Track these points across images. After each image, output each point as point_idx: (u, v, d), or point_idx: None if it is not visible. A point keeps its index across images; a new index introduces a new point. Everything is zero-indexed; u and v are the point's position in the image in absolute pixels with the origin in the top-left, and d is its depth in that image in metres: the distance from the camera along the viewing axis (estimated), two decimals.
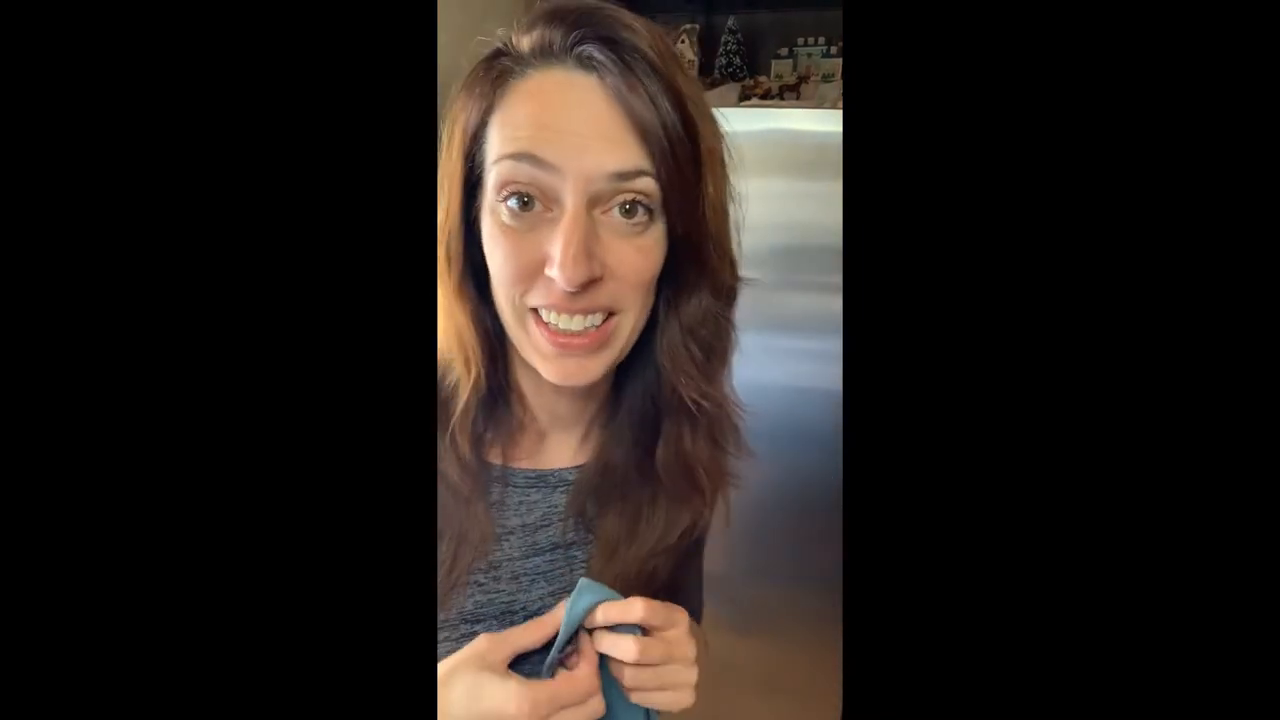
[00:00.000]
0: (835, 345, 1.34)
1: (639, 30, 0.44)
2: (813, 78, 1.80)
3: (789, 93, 1.75)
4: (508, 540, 0.53)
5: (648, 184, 0.43)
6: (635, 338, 0.48)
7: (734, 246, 0.50)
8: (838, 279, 1.35)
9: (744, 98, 1.72)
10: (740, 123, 1.32)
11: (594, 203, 0.44)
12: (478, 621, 0.51)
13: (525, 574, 0.53)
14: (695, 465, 0.54)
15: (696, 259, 0.47)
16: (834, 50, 1.89)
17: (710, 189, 0.47)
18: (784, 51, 1.93)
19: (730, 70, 1.88)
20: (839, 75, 1.81)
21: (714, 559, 1.49)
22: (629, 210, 0.44)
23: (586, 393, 0.54)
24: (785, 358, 1.36)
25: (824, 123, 1.25)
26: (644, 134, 0.43)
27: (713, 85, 1.79)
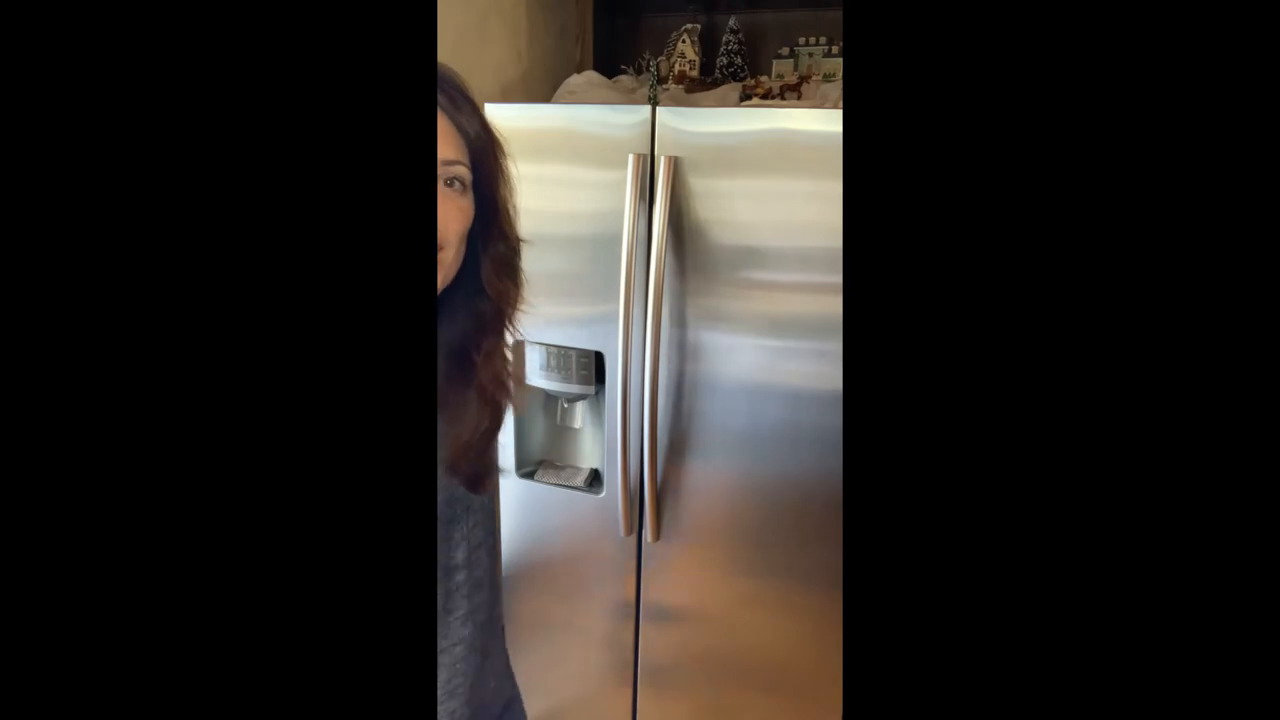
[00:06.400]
0: (835, 345, 1.34)
1: (459, 77, 0.71)
2: (814, 78, 1.80)
3: (790, 92, 1.75)
4: None
5: (462, 170, 0.69)
6: (452, 272, 0.71)
7: (515, 215, 0.79)
8: (838, 279, 1.35)
9: (745, 97, 1.72)
10: (741, 122, 1.32)
11: None
12: None
13: None
14: (502, 371, 0.80)
15: (494, 218, 0.75)
16: (835, 50, 1.89)
17: (501, 175, 0.74)
18: (785, 51, 1.93)
19: (731, 70, 1.88)
20: (839, 75, 1.81)
21: (714, 558, 1.49)
22: (450, 183, 0.69)
23: None
24: (785, 358, 1.36)
25: (824, 123, 1.25)
26: (464, 138, 0.70)
27: (714, 85, 1.79)
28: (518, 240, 0.79)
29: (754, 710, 1.53)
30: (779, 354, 1.35)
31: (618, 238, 1.37)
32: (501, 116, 1.46)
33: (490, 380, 0.78)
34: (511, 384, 0.83)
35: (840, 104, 1.45)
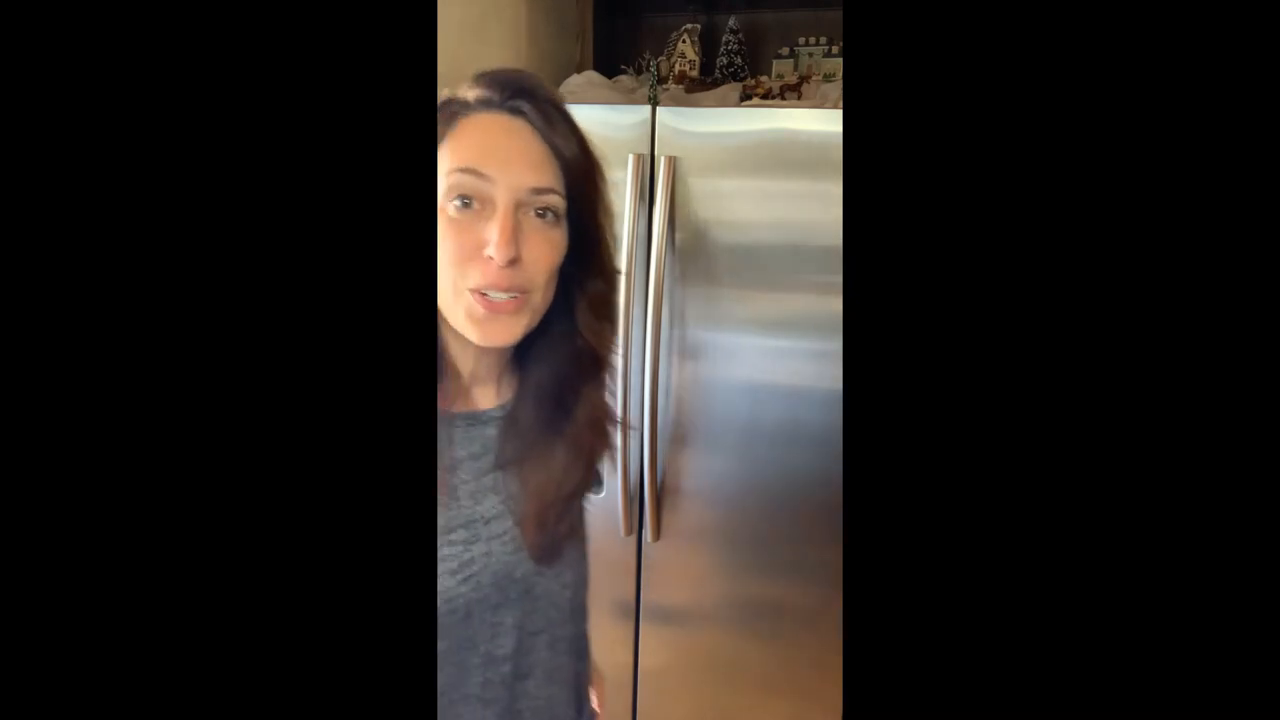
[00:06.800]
0: (835, 345, 1.34)
1: (551, 90, 0.64)
2: (813, 78, 1.80)
3: (790, 92, 1.75)
4: (460, 468, 0.68)
5: (555, 199, 0.62)
6: (541, 314, 0.64)
7: (614, 247, 0.71)
8: (838, 279, 1.35)
9: (745, 97, 1.72)
10: (741, 123, 1.32)
11: (518, 206, 0.60)
12: (451, 531, 0.65)
13: (479, 491, 0.68)
14: (603, 420, 0.73)
15: (593, 253, 0.67)
16: (834, 50, 1.89)
17: (600, 203, 0.67)
18: (785, 51, 1.93)
19: (731, 70, 1.88)
20: (839, 75, 1.81)
21: (714, 558, 1.49)
22: (541, 214, 0.62)
23: (499, 354, 0.70)
24: (785, 358, 1.36)
25: (824, 123, 1.25)
26: (559, 161, 0.62)
27: (714, 85, 1.79)
28: (615, 274, 0.70)
29: (754, 710, 1.53)
30: (779, 354, 1.35)
31: (618, 238, 1.37)
32: None
33: (588, 429, 0.71)
34: (614, 436, 0.74)
35: (840, 104, 1.45)
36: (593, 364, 0.70)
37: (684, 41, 1.95)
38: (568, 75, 1.80)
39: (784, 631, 1.49)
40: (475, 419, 0.70)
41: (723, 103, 1.62)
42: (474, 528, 0.66)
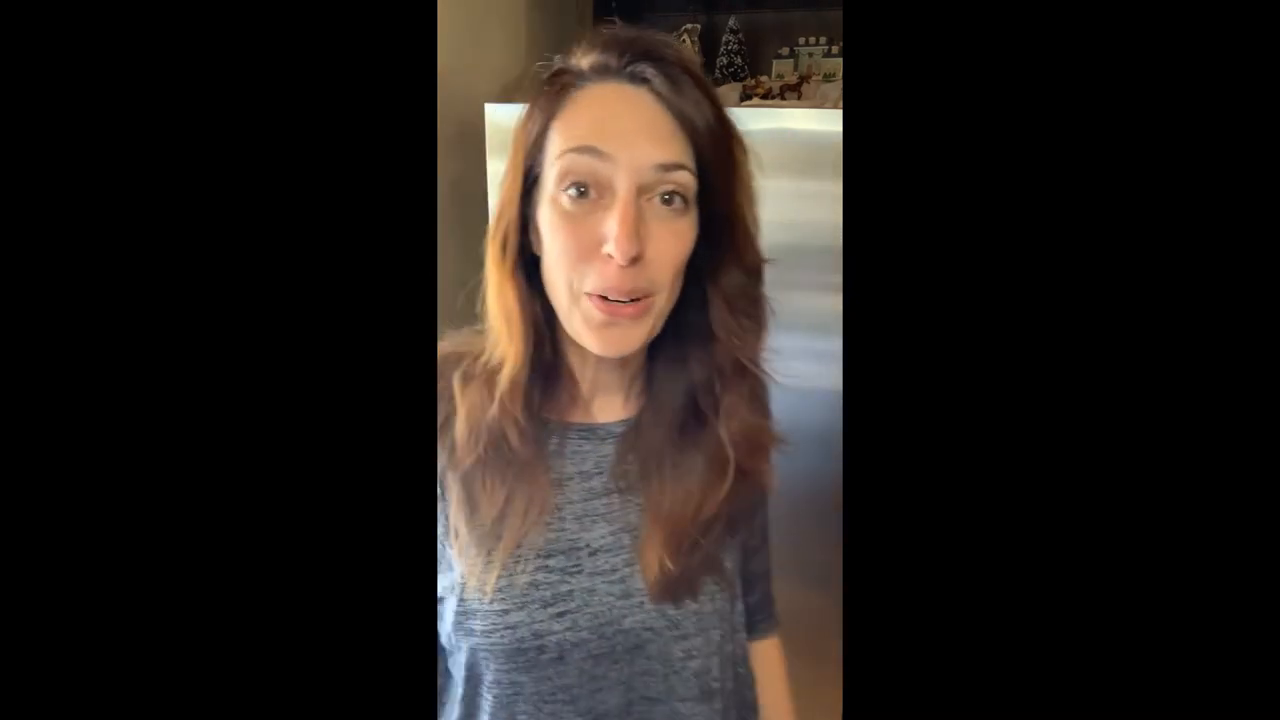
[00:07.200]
0: (835, 345, 1.34)
1: (680, 50, 0.55)
2: (813, 78, 1.80)
3: (790, 92, 1.75)
4: (568, 485, 0.61)
5: (685, 177, 0.53)
6: (667, 313, 0.56)
7: (757, 232, 0.59)
8: (838, 279, 1.35)
9: (745, 97, 1.72)
10: (741, 123, 1.32)
11: (641, 190, 0.52)
12: (549, 556, 0.59)
13: (586, 515, 0.60)
14: (757, 433, 0.61)
15: (729, 240, 0.57)
16: (834, 50, 1.89)
17: (739, 181, 0.57)
18: (785, 51, 1.93)
19: (731, 70, 1.88)
20: (839, 75, 1.81)
21: None
22: (668, 199, 0.53)
23: (624, 363, 0.62)
24: (785, 357, 1.36)
25: (824, 123, 1.25)
26: (687, 133, 0.53)
27: (714, 85, 1.79)
28: (760, 263, 0.59)
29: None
30: (779, 354, 1.35)
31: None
32: (501, 117, 1.45)
33: (739, 441, 0.59)
34: (772, 448, 0.63)
35: (840, 104, 1.45)
36: (735, 372, 0.59)
37: (684, 41, 1.95)
38: None
39: (784, 632, 1.49)
40: (590, 433, 0.63)
41: (723, 102, 1.62)
42: (576, 556, 0.59)
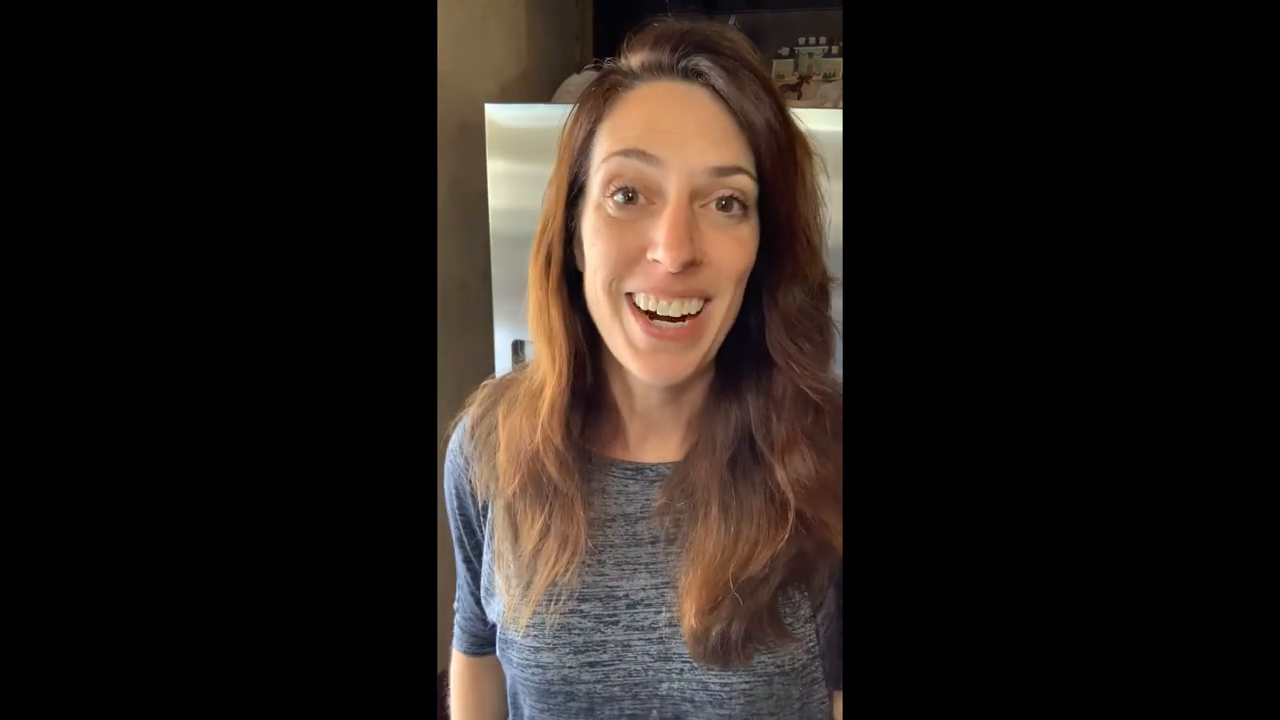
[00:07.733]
0: (835, 345, 1.34)
1: (738, 42, 0.49)
2: (813, 78, 1.80)
3: (790, 92, 1.75)
4: (610, 527, 0.56)
5: (744, 181, 0.47)
6: (723, 335, 0.50)
7: (822, 246, 0.52)
8: (838, 279, 1.35)
9: None
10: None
11: (694, 196, 0.47)
12: (584, 600, 0.55)
13: (628, 562, 0.55)
14: (816, 473, 0.51)
15: (790, 253, 0.50)
16: (834, 50, 1.89)
17: (801, 187, 0.50)
18: (785, 51, 1.93)
19: None
20: (839, 75, 1.81)
21: None
22: (725, 205, 0.47)
23: (680, 394, 0.55)
24: None
25: (824, 123, 1.25)
26: (746, 133, 0.47)
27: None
28: (825, 281, 0.52)
29: None
30: None
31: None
32: (501, 117, 1.45)
33: (799, 484, 0.50)
34: (833, 493, 0.50)
35: (840, 104, 1.45)
36: (797, 402, 0.51)
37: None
38: (568, 75, 1.80)
39: None
40: (639, 473, 0.57)
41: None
42: (613, 605, 0.54)
